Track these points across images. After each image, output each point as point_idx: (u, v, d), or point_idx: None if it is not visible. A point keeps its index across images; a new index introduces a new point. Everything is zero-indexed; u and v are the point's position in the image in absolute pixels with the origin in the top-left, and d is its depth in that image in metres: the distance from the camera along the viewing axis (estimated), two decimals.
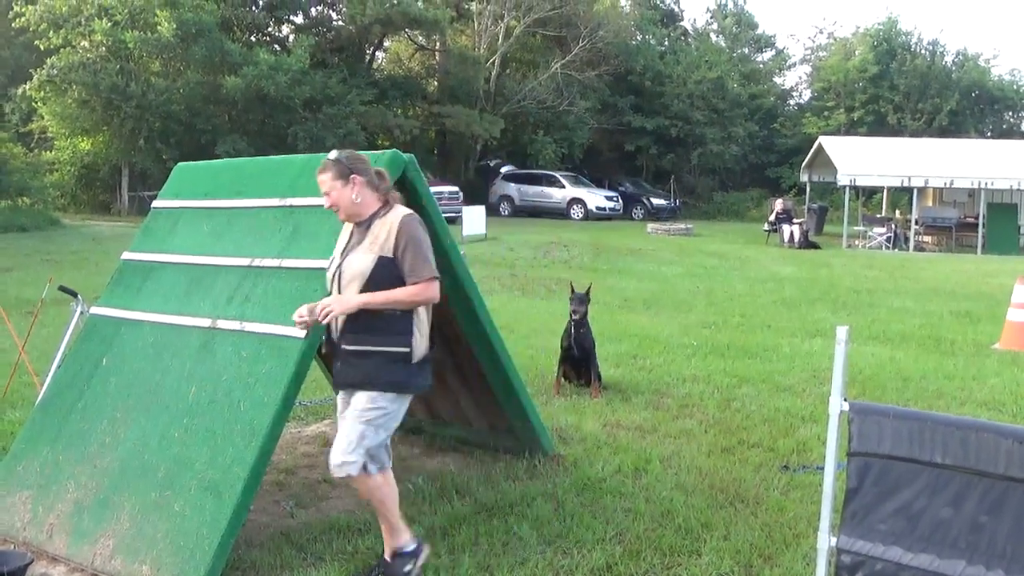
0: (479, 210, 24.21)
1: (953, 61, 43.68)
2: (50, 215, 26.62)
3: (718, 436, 6.21)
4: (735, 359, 8.87)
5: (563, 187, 33.98)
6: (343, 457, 3.70)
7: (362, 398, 3.76)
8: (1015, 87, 43.83)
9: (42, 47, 30.54)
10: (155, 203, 5.31)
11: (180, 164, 5.49)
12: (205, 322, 4.47)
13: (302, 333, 4.06)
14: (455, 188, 29.43)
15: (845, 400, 3.48)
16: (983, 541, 3.20)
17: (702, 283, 15.42)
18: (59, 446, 4.54)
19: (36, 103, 30.84)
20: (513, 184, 34.63)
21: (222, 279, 4.59)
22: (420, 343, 3.83)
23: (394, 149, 4.59)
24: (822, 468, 5.35)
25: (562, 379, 7.52)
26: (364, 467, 3.75)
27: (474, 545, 4.25)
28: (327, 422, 6.52)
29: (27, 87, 29.90)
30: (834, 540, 3.49)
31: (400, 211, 3.84)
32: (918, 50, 42.87)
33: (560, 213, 33.12)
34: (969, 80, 42.12)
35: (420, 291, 3.74)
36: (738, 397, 7.34)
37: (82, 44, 29.90)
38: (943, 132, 38.19)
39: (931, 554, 3.29)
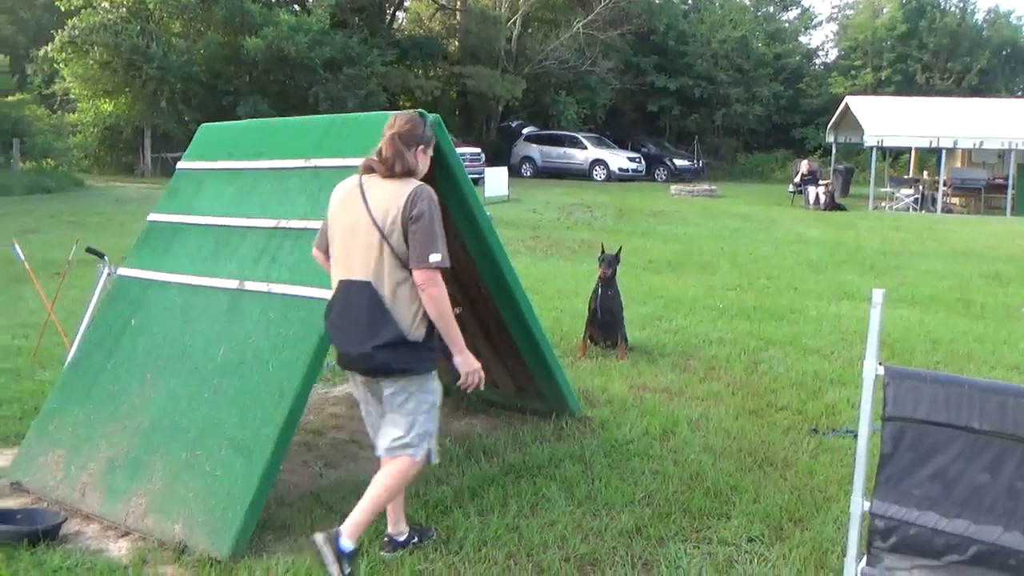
0: (501, 171, 24.08)
1: (984, 19, 42.77)
2: (74, 177, 26.75)
3: (746, 399, 6.18)
4: (761, 321, 8.81)
5: (585, 148, 33.71)
6: None
7: None
8: None
9: (63, 8, 30.51)
10: (180, 164, 5.28)
11: (204, 125, 5.46)
12: (232, 283, 4.46)
13: (329, 295, 4.05)
14: (477, 149, 29.25)
15: (880, 364, 3.43)
16: (1020, 507, 3.16)
17: (727, 245, 15.30)
18: (90, 406, 4.57)
19: (58, 64, 30.86)
20: (535, 145, 34.40)
21: (248, 240, 4.58)
22: None
23: (419, 109, 4.53)
24: (852, 432, 5.33)
25: (588, 341, 7.49)
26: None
27: (503, 506, 4.25)
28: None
29: (49, 48, 29.90)
30: (867, 505, 3.46)
31: None
32: (948, 7, 41.96)
33: (582, 174, 32.90)
34: (1000, 38, 41.27)
35: None
36: (765, 360, 7.30)
37: (103, 5, 29.82)
38: (973, 92, 37.48)
39: (966, 520, 3.25)
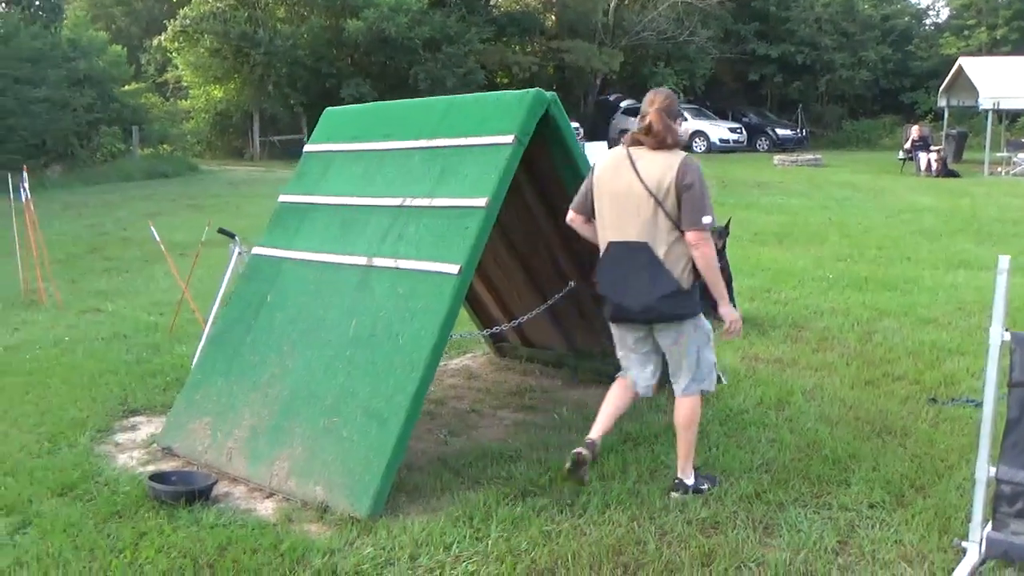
0: (600, 146, 23.93)
1: None
2: (189, 161, 27.89)
3: (861, 369, 6.15)
4: (874, 292, 8.69)
5: (685, 120, 33.19)
6: None
7: None
8: None
9: None
10: (307, 147, 5.55)
11: (328, 109, 5.71)
12: (362, 260, 4.69)
13: (455, 269, 4.25)
14: (576, 124, 29.22)
15: (1007, 330, 3.43)
16: None
17: (834, 215, 15.00)
18: (232, 377, 4.88)
19: (170, 53, 32.12)
20: (633, 118, 33.70)
21: (375, 219, 4.80)
22: None
23: (537, 88, 4.66)
24: (973, 401, 5.28)
25: None
26: None
27: (623, 473, 4.39)
28: (470, 355, 6.76)
29: (162, 38, 31.13)
30: (993, 470, 3.47)
31: None
32: None
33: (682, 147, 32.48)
34: None
35: None
36: (879, 330, 7.22)
37: None
38: None
39: None
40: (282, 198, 5.43)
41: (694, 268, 4.01)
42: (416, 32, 30.58)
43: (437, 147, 4.75)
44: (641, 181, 3.93)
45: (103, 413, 5.54)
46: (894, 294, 8.61)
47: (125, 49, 31.44)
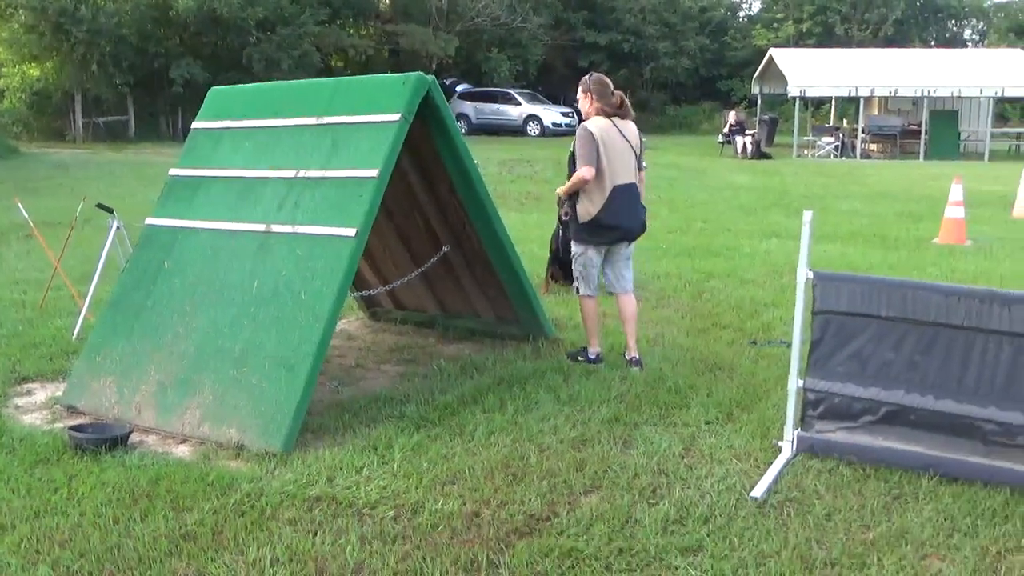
0: None
1: None
2: (7, 143, 26.45)
3: (694, 320, 7.08)
4: (701, 258, 9.74)
5: (519, 104, 34.39)
6: None
7: None
8: None
9: None
10: (195, 124, 5.88)
11: (214, 88, 6.06)
12: (259, 227, 5.12)
13: (352, 232, 4.77)
14: None
15: (810, 270, 4.31)
16: (917, 375, 4.09)
17: (663, 193, 16.22)
18: (135, 338, 5.21)
19: None
20: (469, 102, 34.93)
21: (270, 189, 5.24)
22: (583, 211, 5.69)
23: (418, 72, 5.22)
24: (784, 342, 6.27)
25: (550, 280, 8.28)
26: (577, 291, 5.98)
27: (502, 407, 5.05)
28: (345, 320, 7.23)
29: None
30: (801, 382, 4.36)
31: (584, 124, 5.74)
32: None
33: (517, 130, 33.59)
34: None
35: (575, 177, 5.66)
36: (707, 290, 8.22)
37: None
38: (888, 42, 39.14)
39: (878, 387, 4.17)
40: (173, 172, 5.75)
41: None
42: (249, 12, 30.15)
43: (328, 124, 5.23)
44: (627, 141, 5.70)
45: None
46: (718, 260, 9.69)
47: None
